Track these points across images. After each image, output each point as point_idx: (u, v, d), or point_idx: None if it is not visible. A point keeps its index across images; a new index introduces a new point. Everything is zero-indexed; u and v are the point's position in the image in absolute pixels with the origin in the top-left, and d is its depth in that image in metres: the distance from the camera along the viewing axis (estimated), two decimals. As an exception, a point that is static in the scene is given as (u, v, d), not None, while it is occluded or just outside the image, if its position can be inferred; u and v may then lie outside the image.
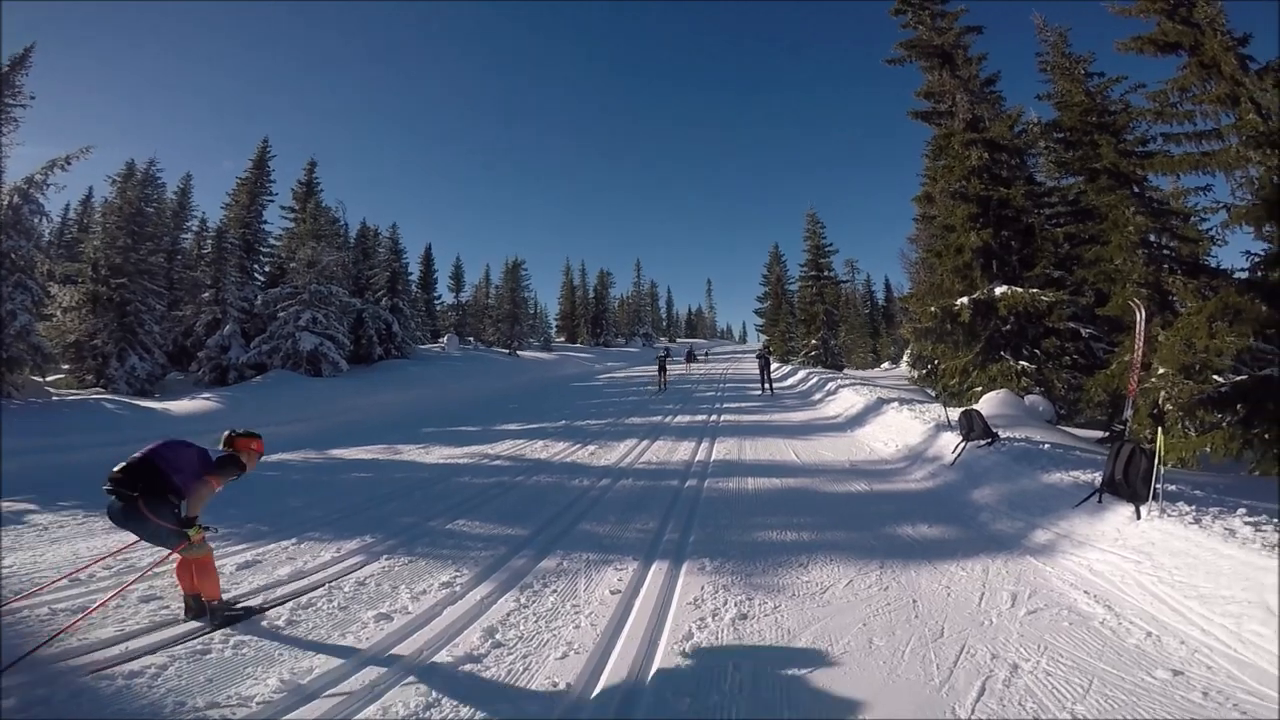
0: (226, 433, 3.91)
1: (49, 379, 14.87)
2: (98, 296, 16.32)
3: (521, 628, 3.46)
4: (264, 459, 4.33)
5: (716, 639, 3.29)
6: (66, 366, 16.20)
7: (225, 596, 3.78)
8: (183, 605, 3.65)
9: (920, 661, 2.95)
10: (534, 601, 3.84)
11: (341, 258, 22.25)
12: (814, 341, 30.96)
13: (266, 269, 22.69)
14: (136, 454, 3.49)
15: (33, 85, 13.66)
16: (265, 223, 23.07)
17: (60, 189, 13.98)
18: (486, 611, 3.70)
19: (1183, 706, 2.51)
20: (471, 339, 36.13)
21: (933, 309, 12.50)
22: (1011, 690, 2.66)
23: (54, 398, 13.31)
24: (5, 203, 12.85)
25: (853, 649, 3.11)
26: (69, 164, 13.75)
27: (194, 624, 3.52)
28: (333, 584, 4.14)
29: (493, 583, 4.13)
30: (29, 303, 13.05)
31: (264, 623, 3.53)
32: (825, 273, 32.52)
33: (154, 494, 3.40)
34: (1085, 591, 3.68)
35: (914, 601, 3.67)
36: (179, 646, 3.20)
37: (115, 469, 3.39)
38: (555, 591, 4.00)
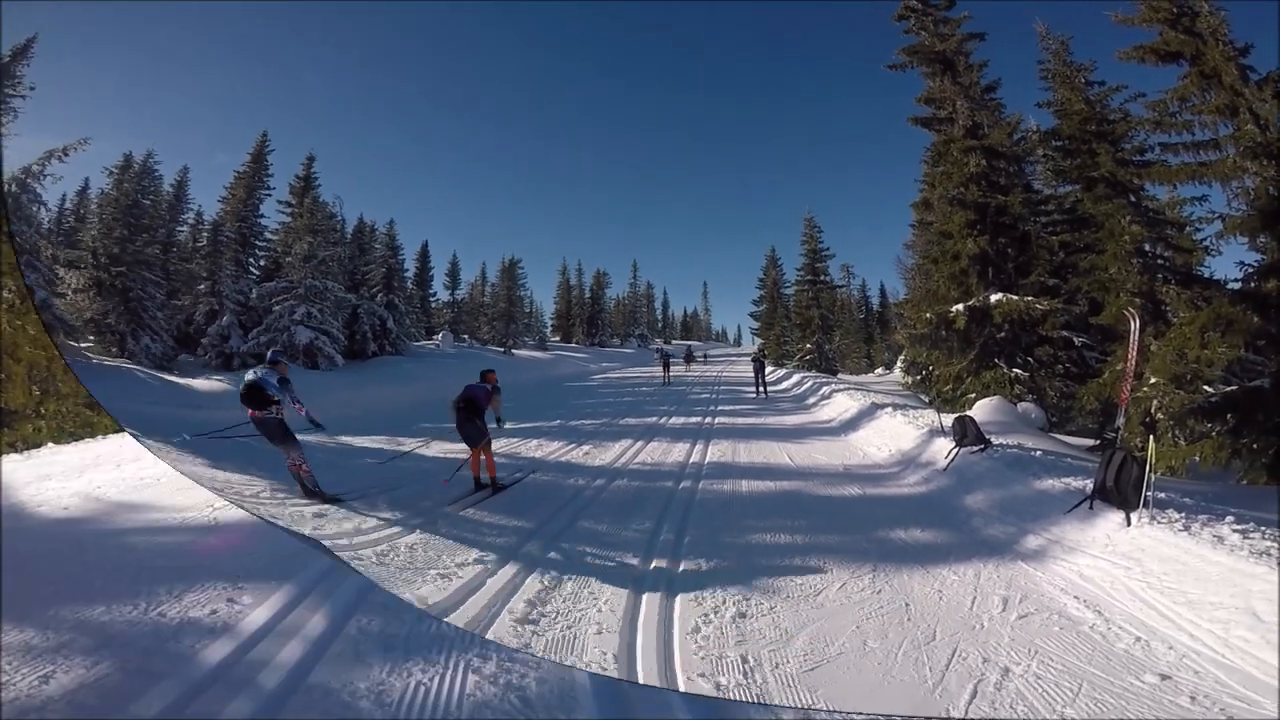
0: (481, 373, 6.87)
1: (83, 345, 15.21)
2: (101, 282, 16.51)
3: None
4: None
5: (721, 633, 3.37)
6: (91, 338, 16.55)
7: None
8: (473, 483, 6.28)
9: (914, 664, 2.98)
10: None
11: (338, 253, 22.16)
12: (809, 346, 30.91)
13: (262, 263, 22.62)
14: (462, 392, 6.45)
15: (33, 76, 13.61)
16: (262, 216, 22.96)
17: (58, 180, 13.98)
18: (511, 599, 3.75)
19: (1171, 711, 2.54)
20: (466, 337, 35.91)
21: (928, 315, 12.53)
22: (1003, 693, 2.70)
23: (94, 361, 13.58)
24: (8, 188, 12.91)
25: (848, 650, 3.14)
26: (66, 155, 13.69)
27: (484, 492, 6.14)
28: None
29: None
30: (41, 280, 13.25)
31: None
32: (821, 277, 32.37)
33: (478, 412, 6.31)
34: (1075, 596, 3.72)
35: (907, 605, 3.70)
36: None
37: (458, 400, 6.35)
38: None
